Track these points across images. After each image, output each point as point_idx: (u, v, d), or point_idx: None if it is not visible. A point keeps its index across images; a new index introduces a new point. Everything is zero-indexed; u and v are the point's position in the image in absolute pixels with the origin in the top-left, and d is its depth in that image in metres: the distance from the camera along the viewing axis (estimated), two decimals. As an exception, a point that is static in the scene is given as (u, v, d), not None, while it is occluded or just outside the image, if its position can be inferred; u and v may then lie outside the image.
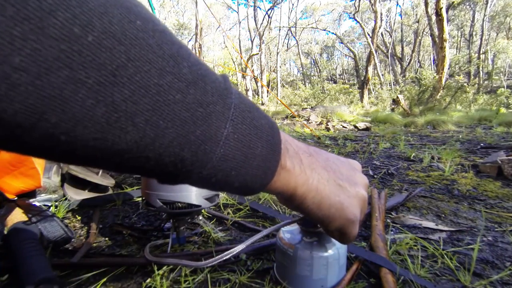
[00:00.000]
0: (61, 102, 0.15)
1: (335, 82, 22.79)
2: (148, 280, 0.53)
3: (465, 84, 10.23)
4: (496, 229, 0.75)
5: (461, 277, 0.53)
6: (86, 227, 0.78)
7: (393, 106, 7.65)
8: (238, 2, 21.30)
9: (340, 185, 0.30)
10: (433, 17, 9.26)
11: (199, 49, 6.68)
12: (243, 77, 15.81)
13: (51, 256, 0.60)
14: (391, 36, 25.02)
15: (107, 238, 0.71)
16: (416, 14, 24.55)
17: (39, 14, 0.13)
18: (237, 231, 0.74)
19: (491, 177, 1.27)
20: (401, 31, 26.59)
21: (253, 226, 0.75)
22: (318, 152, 0.31)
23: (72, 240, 0.68)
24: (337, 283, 0.48)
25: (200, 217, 0.71)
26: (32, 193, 0.89)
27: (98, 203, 0.93)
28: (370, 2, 15.67)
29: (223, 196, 0.95)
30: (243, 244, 0.44)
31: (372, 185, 1.17)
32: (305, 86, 18.54)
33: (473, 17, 22.69)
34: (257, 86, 17.39)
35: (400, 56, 24.88)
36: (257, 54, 15.77)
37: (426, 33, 20.16)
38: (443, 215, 0.86)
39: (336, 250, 0.47)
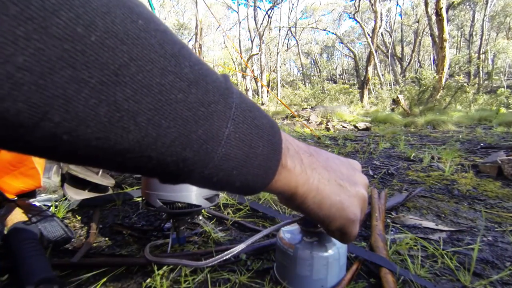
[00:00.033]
0: (64, 102, 0.15)
1: (335, 82, 22.80)
2: (148, 280, 0.53)
3: (465, 84, 10.23)
4: (496, 229, 0.75)
5: (461, 277, 0.53)
6: (86, 227, 0.78)
7: (393, 106, 7.65)
8: (238, 2, 21.30)
9: (340, 185, 0.30)
10: (433, 17, 9.26)
11: (199, 49, 6.69)
12: (243, 77, 15.81)
13: (51, 256, 0.60)
14: (391, 36, 25.02)
15: (107, 238, 0.71)
16: (416, 14, 24.56)
17: (43, 13, 0.13)
18: (237, 231, 0.74)
19: (491, 177, 1.27)
20: (401, 31, 26.60)
21: (253, 226, 0.75)
22: (318, 152, 0.31)
23: (72, 240, 0.68)
24: (337, 283, 0.48)
25: (200, 217, 0.71)
26: (32, 193, 0.89)
27: (98, 203, 0.93)
28: (370, 2, 15.67)
29: (223, 196, 0.95)
30: (243, 244, 0.44)
31: (372, 185, 1.17)
32: (305, 86, 18.55)
33: (473, 17, 22.70)
34: (257, 86, 17.39)
35: (400, 56, 24.88)
36: (257, 54, 15.77)
37: (426, 33, 20.17)
38: (443, 215, 0.86)
39: (336, 250, 0.47)
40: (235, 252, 0.44)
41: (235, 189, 0.24)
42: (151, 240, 0.68)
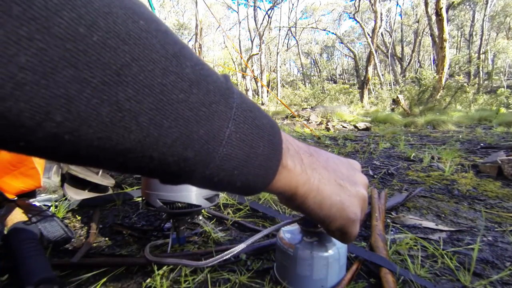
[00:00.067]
0: (66, 102, 0.15)
1: (335, 82, 22.80)
2: (148, 280, 0.53)
3: (465, 84, 10.22)
4: (496, 229, 0.75)
5: (461, 277, 0.53)
6: (86, 227, 0.78)
7: (393, 106, 7.65)
8: (238, 2, 21.30)
9: (340, 185, 0.30)
10: (433, 17, 9.26)
11: (199, 49, 6.69)
12: (243, 77, 15.81)
13: (51, 256, 0.60)
14: (391, 36, 25.02)
15: (107, 238, 0.71)
16: (416, 14, 24.56)
17: (45, 13, 0.13)
18: (237, 231, 0.74)
19: (491, 177, 1.27)
20: (401, 31, 26.60)
21: (253, 226, 0.75)
22: (318, 152, 0.31)
23: (72, 240, 0.68)
24: (337, 283, 0.48)
25: (200, 217, 0.71)
26: (32, 193, 0.89)
27: (98, 203, 0.93)
28: (370, 2, 15.67)
29: (223, 196, 0.95)
30: (243, 244, 0.44)
31: (372, 185, 1.17)
32: (305, 86, 18.55)
33: (473, 17, 22.70)
34: (257, 86, 17.39)
35: (400, 56, 24.88)
36: (257, 54, 15.77)
37: (426, 33, 20.17)
38: (443, 215, 0.86)
39: (336, 250, 0.47)
40: (235, 252, 0.44)
41: (236, 189, 0.24)
42: (151, 240, 0.68)
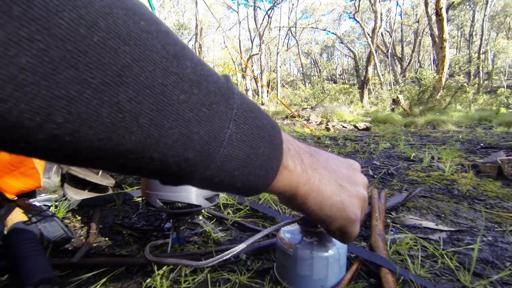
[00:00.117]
0: (67, 103, 0.15)
1: (335, 82, 22.80)
2: (148, 280, 0.53)
3: (465, 84, 10.22)
4: (496, 229, 0.75)
5: (461, 277, 0.53)
6: (86, 227, 0.78)
7: (393, 106, 7.65)
8: (238, 2, 21.30)
9: (341, 185, 0.30)
10: (433, 17, 9.26)
11: (199, 49, 6.69)
12: (243, 77, 15.81)
13: (51, 256, 0.60)
14: (391, 36, 25.02)
15: (107, 238, 0.71)
16: (416, 14, 24.56)
17: (46, 14, 0.13)
18: (237, 231, 0.74)
19: (491, 177, 1.27)
20: (401, 31, 26.60)
21: (253, 226, 0.75)
22: (318, 152, 0.31)
23: (72, 240, 0.68)
24: (337, 283, 0.48)
25: (200, 217, 0.71)
26: (32, 193, 0.89)
27: (98, 203, 0.93)
28: (370, 2, 15.67)
29: (223, 196, 0.95)
30: (243, 244, 0.44)
31: (372, 185, 1.17)
32: (305, 86, 18.54)
33: (473, 17, 22.70)
34: (257, 86, 17.39)
35: (400, 56, 24.88)
36: (257, 54, 15.77)
37: (426, 33, 20.17)
38: (443, 215, 0.86)
39: (336, 250, 0.47)
40: (235, 252, 0.44)
41: (237, 189, 0.24)
42: (151, 240, 0.68)
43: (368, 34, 16.43)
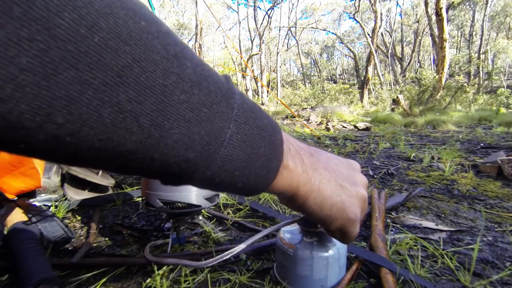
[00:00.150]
0: (68, 103, 0.15)
1: (335, 82, 22.80)
2: (148, 280, 0.53)
3: (465, 84, 10.23)
4: (496, 229, 0.75)
5: (461, 277, 0.53)
6: (86, 227, 0.78)
7: (393, 106, 7.65)
8: (238, 2, 21.30)
9: (341, 185, 0.30)
10: (433, 17, 9.26)
11: (199, 49, 6.69)
12: (243, 77, 15.80)
13: (51, 256, 0.60)
14: (391, 36, 25.02)
15: (107, 238, 0.71)
16: (416, 14, 24.56)
17: (46, 14, 0.13)
18: (237, 231, 0.74)
19: (491, 177, 1.27)
20: (401, 31, 26.60)
21: (253, 226, 0.75)
22: (318, 152, 0.31)
23: (72, 240, 0.68)
24: (337, 283, 0.48)
25: (200, 217, 0.71)
26: (32, 193, 0.89)
27: (98, 203, 0.93)
28: (370, 2, 15.67)
29: (223, 196, 0.95)
30: (243, 244, 0.44)
31: (372, 185, 1.17)
32: (305, 86, 18.55)
33: (473, 17, 22.70)
34: (257, 86, 17.38)
35: (400, 56, 24.88)
36: (257, 54, 15.77)
37: (426, 33, 20.17)
38: (443, 215, 0.86)
39: (336, 250, 0.47)
40: (235, 252, 0.44)
41: (237, 190, 0.24)
42: (151, 240, 0.68)
43: (368, 34, 16.43)
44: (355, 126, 4.29)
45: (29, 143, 0.15)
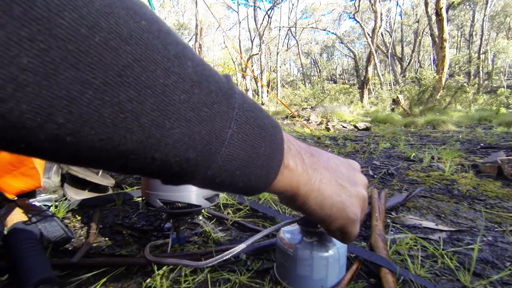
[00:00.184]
0: (68, 103, 0.15)
1: (335, 82, 22.80)
2: (148, 280, 0.53)
3: (465, 84, 10.22)
4: (496, 229, 0.75)
5: (461, 277, 0.53)
6: (86, 227, 0.78)
7: (393, 106, 7.65)
8: (238, 2, 21.31)
9: (341, 185, 0.30)
10: (433, 17, 9.26)
11: (199, 49, 6.69)
12: (243, 77, 15.80)
13: (51, 256, 0.60)
14: (391, 36, 25.02)
15: (107, 238, 0.71)
16: (416, 14, 24.56)
17: (47, 14, 0.13)
18: (237, 231, 0.74)
19: (491, 177, 1.27)
20: (401, 31, 26.60)
21: (253, 226, 0.75)
22: (319, 152, 0.31)
23: (72, 240, 0.68)
24: (337, 283, 0.48)
25: (200, 217, 0.71)
26: (32, 193, 0.89)
27: (98, 203, 0.93)
28: (370, 2, 15.67)
29: (223, 196, 0.95)
30: (243, 244, 0.44)
31: (372, 185, 1.17)
32: (305, 86, 18.55)
33: (473, 17, 22.70)
34: (257, 86, 17.38)
35: (400, 56, 24.88)
36: (257, 54, 15.77)
37: (426, 33, 20.17)
38: (443, 215, 0.86)
39: (336, 250, 0.47)
40: (235, 252, 0.44)
41: (238, 189, 0.24)
42: (151, 240, 0.68)
43: (368, 34, 16.43)
44: (355, 126, 4.29)
45: (30, 143, 0.15)
